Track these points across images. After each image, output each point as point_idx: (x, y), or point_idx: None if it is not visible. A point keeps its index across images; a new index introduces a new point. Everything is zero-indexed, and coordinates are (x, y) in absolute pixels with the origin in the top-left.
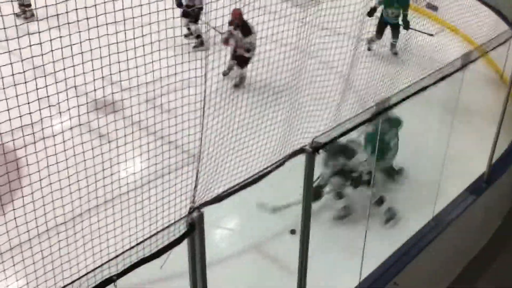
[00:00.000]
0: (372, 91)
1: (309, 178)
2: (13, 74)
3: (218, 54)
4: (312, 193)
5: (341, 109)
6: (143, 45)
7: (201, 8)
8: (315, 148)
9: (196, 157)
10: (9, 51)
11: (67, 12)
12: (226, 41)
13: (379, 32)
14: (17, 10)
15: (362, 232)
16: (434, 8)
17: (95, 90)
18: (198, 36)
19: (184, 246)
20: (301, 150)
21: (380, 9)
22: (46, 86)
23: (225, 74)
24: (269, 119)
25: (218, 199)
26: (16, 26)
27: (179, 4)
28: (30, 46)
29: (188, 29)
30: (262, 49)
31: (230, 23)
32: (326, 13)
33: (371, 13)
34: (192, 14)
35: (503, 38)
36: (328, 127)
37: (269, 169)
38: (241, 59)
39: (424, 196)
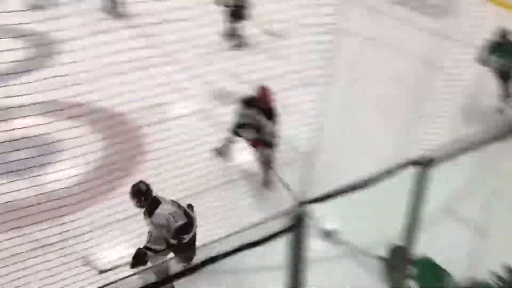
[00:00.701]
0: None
1: (419, 193)
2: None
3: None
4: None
5: (464, 125)
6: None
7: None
8: (429, 161)
9: (307, 154)
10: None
11: None
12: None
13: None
14: None
15: None
16: None
17: (217, 82)
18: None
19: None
20: (414, 162)
21: None
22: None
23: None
24: (386, 126)
25: (324, 197)
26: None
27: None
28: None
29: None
30: (384, 56)
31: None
32: (459, 24)
33: None
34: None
35: None
36: (447, 142)
37: (379, 176)
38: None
39: None
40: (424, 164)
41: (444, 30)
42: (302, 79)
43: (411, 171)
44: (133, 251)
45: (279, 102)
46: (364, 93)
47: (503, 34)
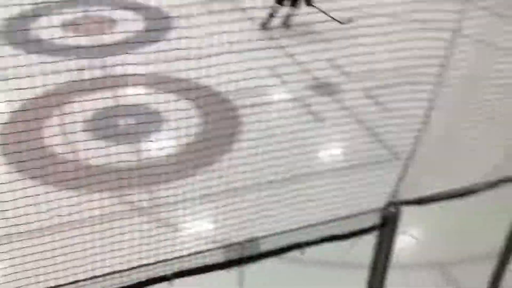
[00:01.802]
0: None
1: None
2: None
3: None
4: None
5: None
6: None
7: None
8: None
9: (403, 155)
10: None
11: None
12: None
13: None
14: None
15: None
16: None
17: (318, 70)
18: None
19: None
20: None
21: None
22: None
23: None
24: (494, 138)
25: (420, 201)
26: None
27: None
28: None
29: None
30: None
31: None
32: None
33: None
34: None
35: None
36: None
37: (479, 187)
38: None
39: None
40: None
41: None
42: (410, 76)
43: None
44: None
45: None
46: (475, 99)
47: None
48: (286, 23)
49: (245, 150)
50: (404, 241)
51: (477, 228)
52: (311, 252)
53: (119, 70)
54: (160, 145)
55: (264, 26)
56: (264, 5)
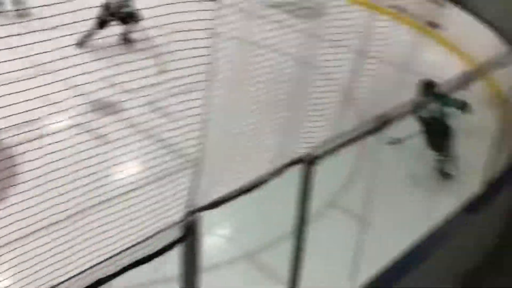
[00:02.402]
0: (373, 104)
1: (305, 189)
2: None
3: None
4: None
5: (341, 121)
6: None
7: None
8: (312, 159)
9: (194, 161)
10: (11, 48)
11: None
12: None
13: None
14: None
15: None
16: (435, 25)
17: (95, 91)
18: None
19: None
20: (298, 160)
21: None
22: (46, 85)
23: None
24: (269, 126)
25: (215, 204)
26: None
27: None
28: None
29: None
30: (262, 58)
31: None
32: (329, 25)
33: None
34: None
35: (505, 59)
36: (327, 138)
37: (267, 177)
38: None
39: (418, 212)
40: (308, 161)
41: (317, 31)
42: (184, 86)
43: (297, 169)
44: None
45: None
46: (245, 95)
47: (427, 85)
48: (126, 40)
49: (22, 194)
50: (213, 242)
51: (276, 213)
52: (119, 280)
53: None
54: None
55: (82, 44)
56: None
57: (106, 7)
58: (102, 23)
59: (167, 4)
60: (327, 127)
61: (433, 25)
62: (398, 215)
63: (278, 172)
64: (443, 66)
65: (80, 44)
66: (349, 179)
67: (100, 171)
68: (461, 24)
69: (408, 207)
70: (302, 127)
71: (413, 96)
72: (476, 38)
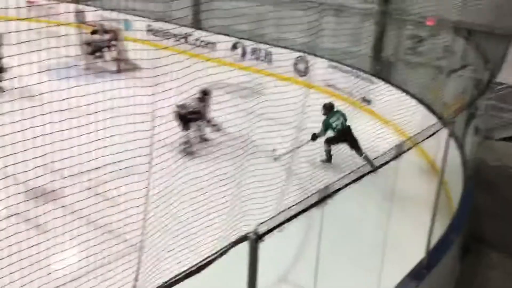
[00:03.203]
0: (314, 179)
1: (252, 266)
2: None
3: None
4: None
5: (284, 196)
6: (87, 133)
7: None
8: (259, 235)
9: (137, 246)
10: None
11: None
12: None
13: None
14: None
15: None
16: (368, 101)
17: (34, 178)
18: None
19: None
20: (244, 238)
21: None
22: None
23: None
24: (214, 206)
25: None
26: None
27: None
28: None
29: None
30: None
31: None
32: (269, 104)
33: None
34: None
35: (432, 130)
36: (272, 214)
37: (213, 257)
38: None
39: (367, 283)
40: (253, 239)
41: (257, 110)
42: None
43: (244, 246)
44: None
45: None
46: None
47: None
48: None
49: None
50: None
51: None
52: None
53: None
54: None
55: None
56: None
57: None
58: None
59: None
60: (272, 202)
61: (366, 100)
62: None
63: (224, 250)
64: (377, 137)
65: None
66: (299, 252)
67: (41, 261)
68: (389, 98)
69: (356, 278)
70: (246, 204)
71: (352, 168)
72: (404, 110)
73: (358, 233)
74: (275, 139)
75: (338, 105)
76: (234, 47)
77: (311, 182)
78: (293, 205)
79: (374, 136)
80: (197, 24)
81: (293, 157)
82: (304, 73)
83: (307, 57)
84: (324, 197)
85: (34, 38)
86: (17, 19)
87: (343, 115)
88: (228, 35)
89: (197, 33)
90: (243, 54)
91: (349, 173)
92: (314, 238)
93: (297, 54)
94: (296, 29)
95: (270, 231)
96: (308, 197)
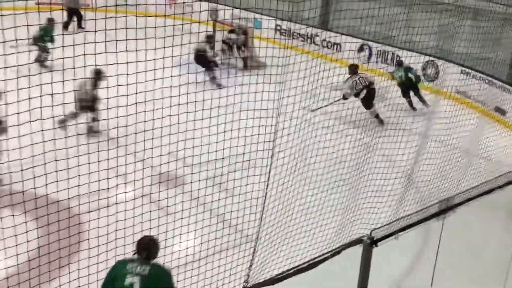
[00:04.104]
0: (435, 189)
1: (365, 270)
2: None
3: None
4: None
5: (402, 204)
6: (209, 126)
7: None
8: (373, 240)
9: (253, 237)
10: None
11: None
12: None
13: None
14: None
15: None
16: (503, 111)
17: (161, 164)
18: None
19: None
20: (358, 241)
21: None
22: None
23: None
24: (329, 206)
25: (272, 281)
26: None
27: None
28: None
29: None
30: (323, 138)
31: None
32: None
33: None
34: None
35: None
36: (388, 220)
37: (324, 256)
38: None
39: None
40: (367, 243)
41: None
42: (246, 161)
43: (357, 249)
44: None
45: None
46: (306, 175)
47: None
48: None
49: (87, 260)
50: None
51: None
52: None
53: None
54: None
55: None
56: None
57: None
58: None
59: None
60: (389, 209)
61: (500, 110)
62: None
63: (336, 251)
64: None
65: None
66: (413, 263)
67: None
68: None
69: None
70: (363, 208)
71: (479, 181)
72: None
73: (480, 251)
74: (395, 144)
75: (467, 113)
76: (361, 49)
77: (432, 193)
78: (409, 214)
79: (504, 148)
80: (324, 24)
81: (414, 165)
82: (433, 78)
83: (437, 62)
84: (446, 209)
85: (172, 34)
86: (155, 16)
87: (406, 69)
88: (355, 36)
89: (324, 34)
90: (369, 56)
91: (473, 188)
92: (430, 251)
93: (427, 58)
94: (428, 32)
95: (385, 237)
96: (427, 207)
